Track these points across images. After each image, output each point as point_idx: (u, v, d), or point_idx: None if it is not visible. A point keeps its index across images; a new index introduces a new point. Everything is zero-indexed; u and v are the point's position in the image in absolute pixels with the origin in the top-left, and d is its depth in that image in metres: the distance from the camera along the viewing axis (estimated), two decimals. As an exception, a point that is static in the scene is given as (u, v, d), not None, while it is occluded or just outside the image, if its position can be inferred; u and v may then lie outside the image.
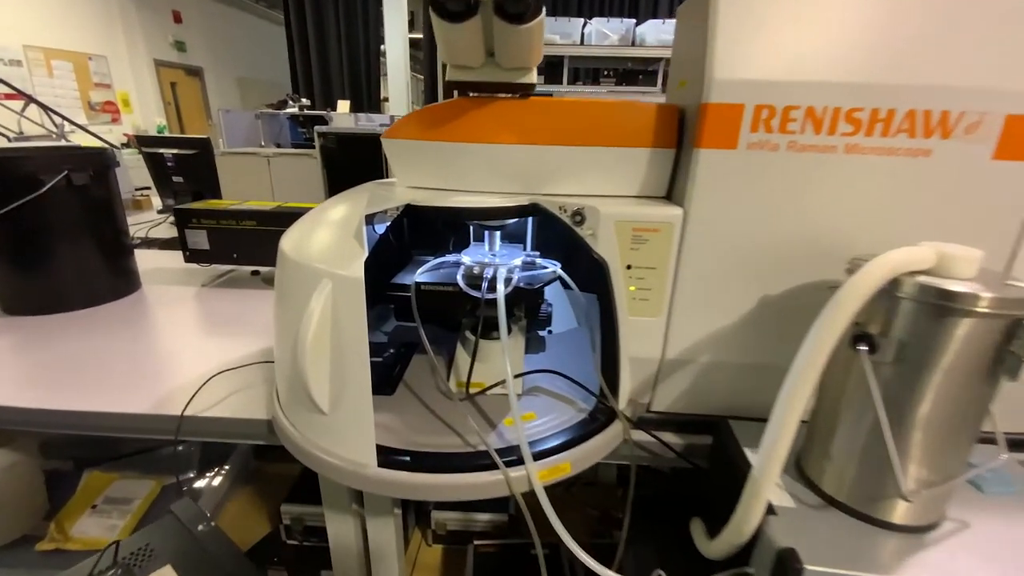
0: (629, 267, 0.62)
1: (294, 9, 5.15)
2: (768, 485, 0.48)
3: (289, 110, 4.01)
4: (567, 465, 0.59)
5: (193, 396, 0.78)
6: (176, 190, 1.85)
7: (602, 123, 0.62)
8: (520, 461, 0.56)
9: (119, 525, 1.05)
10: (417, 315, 0.65)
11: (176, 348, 0.98)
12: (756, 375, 0.67)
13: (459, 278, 0.67)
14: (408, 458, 0.57)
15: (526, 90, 0.61)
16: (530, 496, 0.56)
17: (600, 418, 0.66)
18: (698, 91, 0.57)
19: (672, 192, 0.65)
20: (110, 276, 1.19)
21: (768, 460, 0.48)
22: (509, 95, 0.63)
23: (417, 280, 0.68)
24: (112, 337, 1.01)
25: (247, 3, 6.85)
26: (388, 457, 0.57)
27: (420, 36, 4.72)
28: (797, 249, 0.59)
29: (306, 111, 3.98)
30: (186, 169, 1.85)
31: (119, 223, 1.21)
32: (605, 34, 3.62)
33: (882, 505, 0.52)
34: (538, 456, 0.58)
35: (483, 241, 0.78)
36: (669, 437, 0.73)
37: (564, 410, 0.67)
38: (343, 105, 4.21)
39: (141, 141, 1.85)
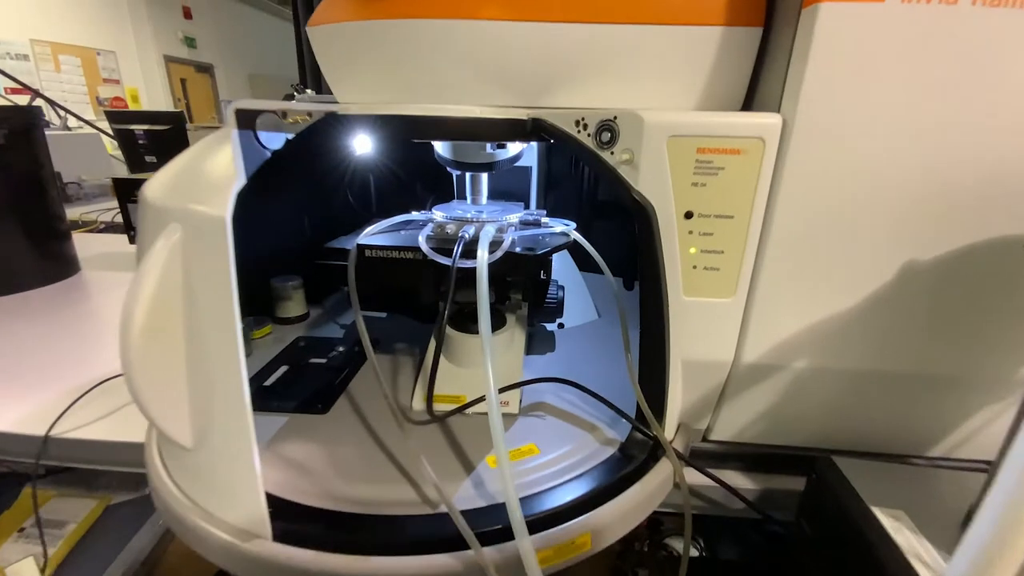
0: (689, 215, 0.38)
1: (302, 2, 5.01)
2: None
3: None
4: (585, 538, 0.36)
5: (65, 411, 0.57)
6: (149, 171, 1.66)
7: (646, -16, 0.39)
8: (506, 533, 0.33)
9: (48, 553, 0.85)
10: (354, 292, 0.42)
11: (94, 343, 0.77)
12: (886, 389, 0.43)
13: (422, 239, 0.45)
14: (322, 525, 0.35)
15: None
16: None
17: (636, 455, 0.42)
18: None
19: (754, 101, 0.42)
20: (35, 258, 0.98)
21: (993, 567, 0.24)
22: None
23: (361, 242, 0.46)
24: (24, 329, 0.80)
25: (258, -1, 6.77)
26: (290, 523, 0.34)
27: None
28: (978, 180, 0.36)
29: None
30: (159, 147, 1.65)
31: (47, 195, 1.01)
32: None
33: None
34: (539, 522, 0.35)
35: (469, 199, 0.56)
36: (735, 478, 0.50)
37: (582, 441, 0.44)
38: (349, 96, 4.03)
39: (111, 117, 1.67)
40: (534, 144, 0.63)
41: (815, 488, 0.46)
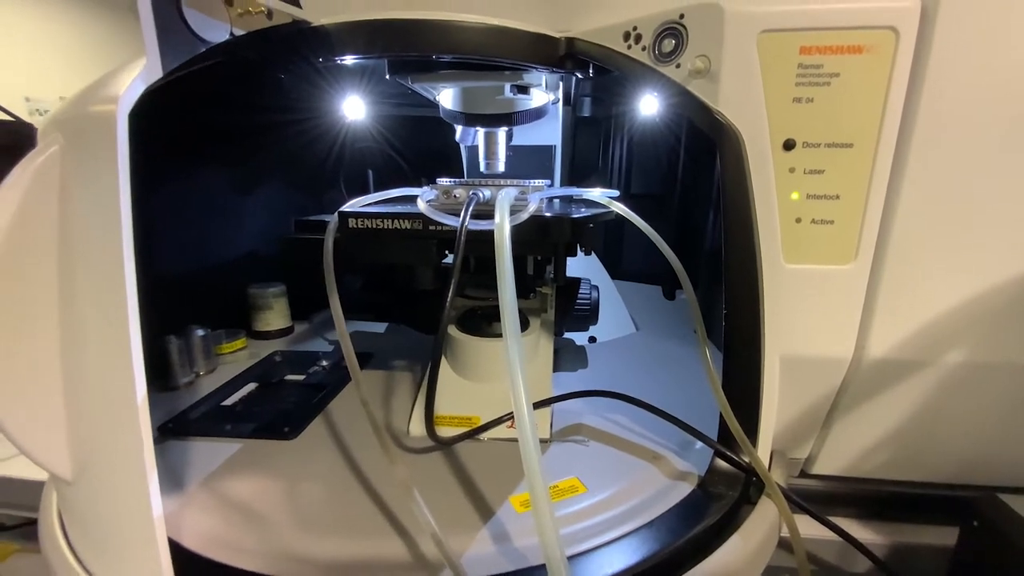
0: (790, 145, 0.27)
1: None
2: None
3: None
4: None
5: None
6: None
7: None
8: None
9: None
10: (331, 274, 0.32)
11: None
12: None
13: (421, 202, 0.34)
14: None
15: None
16: None
17: (726, 492, 0.30)
18: None
19: None
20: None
21: None
22: None
23: (345, 210, 0.35)
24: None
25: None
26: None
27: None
28: None
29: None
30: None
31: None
32: None
33: None
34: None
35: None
36: (850, 529, 0.36)
37: (644, 475, 0.31)
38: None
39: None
40: (559, 117, 0.54)
41: (976, 540, 0.33)
